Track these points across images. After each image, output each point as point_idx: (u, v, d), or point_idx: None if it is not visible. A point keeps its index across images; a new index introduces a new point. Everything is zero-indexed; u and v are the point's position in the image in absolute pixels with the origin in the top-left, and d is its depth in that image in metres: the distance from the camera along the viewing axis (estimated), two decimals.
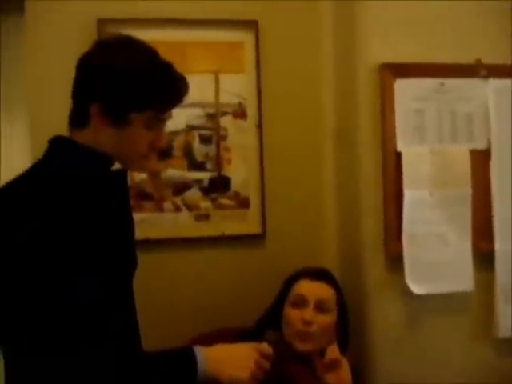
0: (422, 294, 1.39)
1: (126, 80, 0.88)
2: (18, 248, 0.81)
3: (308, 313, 1.24)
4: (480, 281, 1.44)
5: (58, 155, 0.92)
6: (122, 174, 0.99)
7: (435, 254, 1.41)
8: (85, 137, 0.91)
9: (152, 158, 0.97)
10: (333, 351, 1.24)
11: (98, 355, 0.79)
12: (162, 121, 0.94)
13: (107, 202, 0.92)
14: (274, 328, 1.28)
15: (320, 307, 1.26)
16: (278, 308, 1.31)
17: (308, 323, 1.23)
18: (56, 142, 0.93)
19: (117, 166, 0.96)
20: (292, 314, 1.26)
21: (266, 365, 0.96)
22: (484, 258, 1.45)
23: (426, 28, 1.42)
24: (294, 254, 1.53)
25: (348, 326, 1.35)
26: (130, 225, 1.01)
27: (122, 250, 0.93)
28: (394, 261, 1.41)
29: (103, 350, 0.80)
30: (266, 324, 1.31)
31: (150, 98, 0.89)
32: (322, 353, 1.26)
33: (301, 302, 1.27)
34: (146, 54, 0.91)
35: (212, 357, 0.91)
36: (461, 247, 1.42)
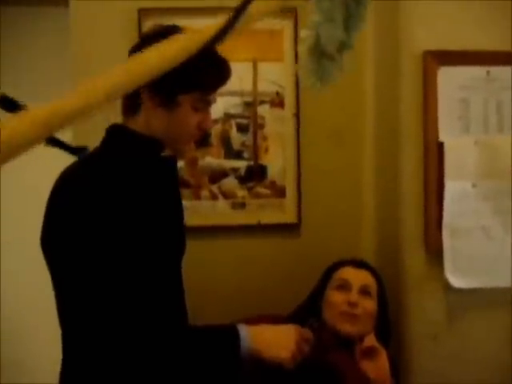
0: (462, 289, 1.36)
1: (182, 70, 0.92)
2: (75, 225, 0.87)
3: (353, 295, 1.24)
4: None
5: (113, 142, 0.98)
6: (172, 160, 1.04)
7: (477, 247, 1.37)
8: (138, 123, 0.97)
9: (192, 143, 1.02)
10: (370, 339, 1.23)
11: (142, 328, 0.84)
12: (208, 103, 0.99)
13: (158, 186, 0.97)
14: (315, 316, 1.27)
15: (364, 292, 1.26)
16: (319, 295, 1.30)
17: (354, 304, 1.22)
18: (111, 131, 0.99)
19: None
20: (336, 296, 1.25)
21: (306, 348, 0.98)
22: None
23: (471, 14, 1.37)
24: (330, 244, 1.51)
25: (388, 318, 1.33)
26: (179, 209, 1.04)
27: (172, 232, 0.97)
28: (434, 254, 1.38)
29: (149, 324, 0.85)
30: (307, 311, 1.30)
31: (196, 79, 0.94)
32: (361, 340, 1.25)
33: (345, 286, 1.26)
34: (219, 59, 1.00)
35: (255, 335, 0.94)
36: (504, 241, 1.38)
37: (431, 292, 1.39)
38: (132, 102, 0.97)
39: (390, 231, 1.48)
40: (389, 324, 1.33)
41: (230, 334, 0.93)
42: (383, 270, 1.47)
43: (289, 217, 1.54)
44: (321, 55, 0.58)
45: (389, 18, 1.46)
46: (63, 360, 0.94)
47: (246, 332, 0.93)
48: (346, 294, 1.24)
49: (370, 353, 1.21)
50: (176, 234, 1.00)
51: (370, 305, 1.26)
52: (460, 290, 1.36)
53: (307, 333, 0.99)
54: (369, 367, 1.19)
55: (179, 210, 1.04)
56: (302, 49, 0.59)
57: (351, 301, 1.22)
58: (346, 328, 1.22)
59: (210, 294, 1.51)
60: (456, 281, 1.36)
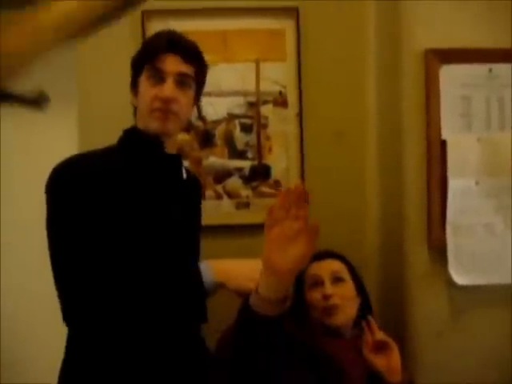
0: (466, 286, 1.37)
1: (132, 58, 1.05)
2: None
3: (327, 287, 1.25)
4: None
5: (119, 140, 1.05)
6: (176, 158, 1.06)
7: (480, 244, 1.38)
8: (139, 121, 1.04)
9: (156, 115, 1.00)
10: (380, 332, 1.23)
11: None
12: (161, 72, 1.00)
13: (141, 177, 0.99)
14: (304, 317, 1.28)
15: (335, 279, 1.27)
16: (300, 299, 1.30)
17: (328, 296, 1.23)
18: (125, 130, 1.05)
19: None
20: (312, 295, 1.27)
21: None
22: None
23: (472, 12, 1.37)
24: (335, 242, 1.51)
25: (366, 293, 1.34)
26: (166, 202, 1.03)
27: (136, 218, 0.95)
28: (438, 251, 1.39)
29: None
30: (295, 315, 1.30)
31: (137, 54, 1.04)
32: (355, 325, 1.27)
33: (317, 281, 1.27)
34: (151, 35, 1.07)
35: (220, 267, 0.96)
36: (507, 238, 1.39)
37: (434, 289, 1.40)
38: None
39: (393, 228, 1.49)
40: (368, 299, 1.34)
41: (192, 272, 0.94)
42: (387, 267, 1.48)
43: None
44: None
45: (390, 18, 1.47)
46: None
47: (209, 265, 0.94)
48: (321, 289, 1.26)
49: (381, 347, 1.22)
50: (143, 221, 0.97)
51: (345, 290, 1.27)
52: (463, 287, 1.37)
53: None
54: (382, 363, 1.20)
55: (165, 203, 1.02)
56: None
57: (326, 294, 1.23)
58: (332, 321, 1.23)
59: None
60: (459, 278, 1.37)
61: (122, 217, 0.93)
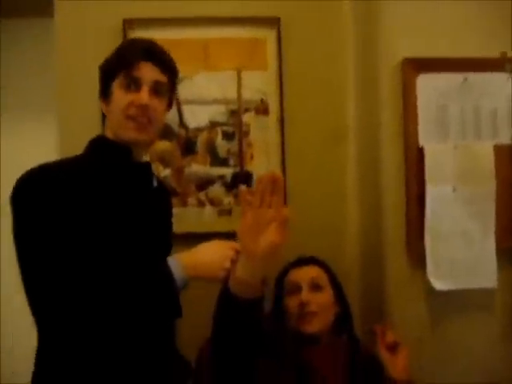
0: (445, 291, 1.39)
1: (102, 65, 1.06)
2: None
3: (303, 294, 1.26)
4: (504, 278, 1.42)
5: (87, 149, 1.05)
6: (145, 166, 1.07)
7: (459, 250, 1.40)
8: (108, 129, 1.04)
9: (132, 125, 1.00)
10: (392, 333, 1.24)
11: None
12: (136, 80, 1.00)
13: (107, 185, 0.99)
14: (280, 323, 1.29)
15: (314, 286, 1.28)
16: (279, 305, 1.32)
17: (305, 304, 1.24)
18: (91, 140, 1.05)
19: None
20: (290, 302, 1.28)
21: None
22: (508, 255, 1.43)
23: (448, 22, 1.41)
24: (315, 251, 1.53)
25: (346, 301, 1.34)
26: (137, 209, 1.03)
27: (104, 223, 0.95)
28: (417, 257, 1.41)
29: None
30: (272, 320, 1.30)
31: (113, 61, 1.03)
32: (333, 331, 1.27)
33: (295, 289, 1.28)
34: (124, 42, 1.08)
35: (188, 261, 0.96)
36: (485, 244, 1.41)
37: (414, 296, 1.42)
38: (102, 112, 1.06)
39: (373, 238, 1.51)
40: (348, 307, 1.34)
41: (163, 274, 0.94)
42: (367, 275, 1.49)
43: None
44: None
45: (368, 27, 1.49)
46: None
47: (178, 262, 0.94)
48: (298, 296, 1.26)
49: (393, 347, 1.23)
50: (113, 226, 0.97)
51: (322, 298, 1.27)
52: (442, 293, 1.39)
53: (236, 246, 0.96)
54: (393, 363, 1.21)
55: (133, 211, 1.02)
56: None
57: (302, 301, 1.24)
58: (307, 329, 1.24)
59: (196, 301, 1.52)
60: (438, 283, 1.39)
61: (88, 224, 0.93)
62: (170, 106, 1.10)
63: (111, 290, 0.90)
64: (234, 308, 0.91)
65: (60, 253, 0.89)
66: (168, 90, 1.05)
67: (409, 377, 1.21)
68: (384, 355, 1.21)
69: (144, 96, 0.99)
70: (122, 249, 0.95)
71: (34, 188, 0.92)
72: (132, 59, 1.00)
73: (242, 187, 0.84)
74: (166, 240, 1.14)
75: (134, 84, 1.00)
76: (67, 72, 1.50)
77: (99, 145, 1.04)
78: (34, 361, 0.98)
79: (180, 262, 0.96)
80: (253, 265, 0.89)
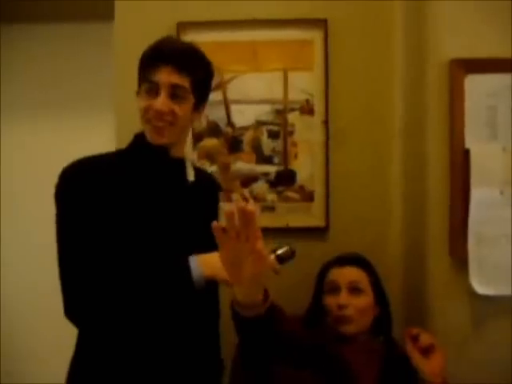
0: (487, 296, 1.36)
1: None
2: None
3: (342, 297, 1.26)
4: None
5: (131, 143, 1.11)
6: (180, 162, 1.12)
7: (503, 255, 1.37)
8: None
9: (150, 128, 1.04)
10: (428, 336, 1.21)
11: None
12: (155, 84, 1.02)
13: (138, 182, 1.05)
14: (320, 319, 1.31)
15: (353, 289, 1.27)
16: (318, 301, 1.33)
17: (342, 307, 1.24)
18: (136, 134, 1.11)
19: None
20: (328, 301, 1.29)
21: None
22: None
23: (498, 22, 1.37)
24: (357, 248, 1.53)
25: (387, 305, 1.33)
26: (164, 205, 1.08)
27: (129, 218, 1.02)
28: (459, 261, 1.39)
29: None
30: (312, 316, 1.33)
31: (140, 67, 1.06)
32: (371, 332, 1.28)
33: (334, 288, 1.29)
34: (153, 44, 1.06)
35: (205, 262, 0.99)
36: None
37: (456, 299, 1.40)
38: None
39: (416, 237, 1.50)
40: (388, 308, 1.33)
41: (180, 268, 0.98)
42: (409, 275, 1.49)
43: (317, 220, 1.59)
44: None
45: (416, 28, 1.48)
46: None
47: (195, 261, 0.98)
48: (336, 297, 1.27)
49: (427, 350, 1.20)
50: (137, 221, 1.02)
51: (361, 301, 1.26)
52: (485, 297, 1.37)
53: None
54: (427, 367, 1.18)
55: (165, 206, 1.07)
56: None
57: (340, 303, 1.25)
58: (344, 329, 1.24)
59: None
60: (481, 288, 1.36)
61: (120, 218, 1.00)
62: (199, 106, 1.08)
63: (138, 286, 0.97)
64: (239, 323, 0.94)
65: (92, 245, 0.97)
66: (191, 92, 1.03)
67: (444, 380, 1.19)
68: (416, 358, 1.19)
69: (159, 101, 1.00)
70: (145, 243, 1.01)
71: (70, 180, 1.00)
72: (148, 62, 1.02)
73: (214, 223, 0.80)
74: (198, 233, 1.11)
75: (153, 88, 1.01)
76: (125, 75, 1.58)
77: (138, 141, 1.09)
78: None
79: (200, 260, 1.00)
80: (240, 290, 0.88)
